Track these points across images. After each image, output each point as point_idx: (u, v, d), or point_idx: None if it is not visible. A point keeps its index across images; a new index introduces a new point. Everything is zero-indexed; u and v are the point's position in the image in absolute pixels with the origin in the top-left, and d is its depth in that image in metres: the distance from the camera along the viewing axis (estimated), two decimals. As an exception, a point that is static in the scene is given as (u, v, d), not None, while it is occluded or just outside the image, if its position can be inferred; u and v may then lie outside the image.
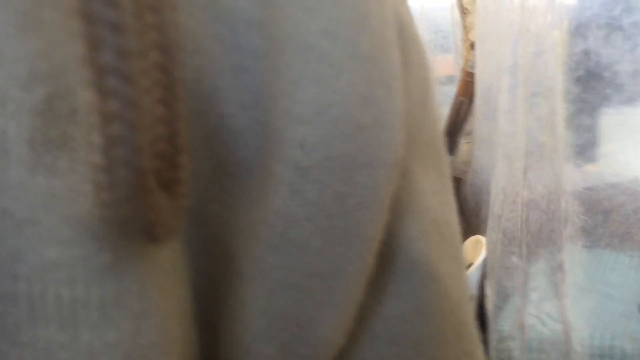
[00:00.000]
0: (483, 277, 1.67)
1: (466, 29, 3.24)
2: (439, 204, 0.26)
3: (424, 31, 3.63)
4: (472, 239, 2.34)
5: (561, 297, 1.21)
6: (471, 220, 2.69)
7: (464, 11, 3.23)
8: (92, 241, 0.17)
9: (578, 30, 1.32)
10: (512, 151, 1.60)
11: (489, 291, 1.48)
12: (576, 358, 1.17)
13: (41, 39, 0.17)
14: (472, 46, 3.01)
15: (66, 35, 0.17)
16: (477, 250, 2.14)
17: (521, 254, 1.29)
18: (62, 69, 0.17)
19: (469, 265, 2.26)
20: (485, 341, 1.52)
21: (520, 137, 1.58)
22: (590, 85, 1.30)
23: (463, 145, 3.26)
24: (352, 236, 0.22)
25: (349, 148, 0.21)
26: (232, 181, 0.22)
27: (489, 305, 1.43)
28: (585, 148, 1.37)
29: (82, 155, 0.17)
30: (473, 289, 1.98)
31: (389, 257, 0.24)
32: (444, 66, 3.71)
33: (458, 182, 3.01)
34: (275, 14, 0.21)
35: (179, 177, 0.18)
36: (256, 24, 0.21)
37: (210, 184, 0.22)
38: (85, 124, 0.17)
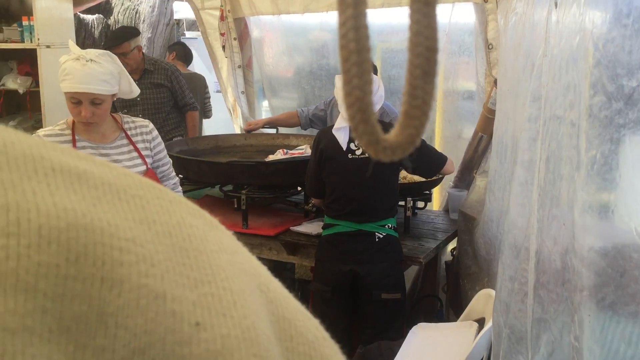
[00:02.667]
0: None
1: (490, 64, 3.18)
2: None
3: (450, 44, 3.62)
4: (484, 292, 2.27)
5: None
6: (482, 266, 2.62)
7: (488, 46, 3.17)
8: None
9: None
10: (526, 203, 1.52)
11: None
12: None
13: None
14: (495, 83, 2.95)
15: None
16: (489, 305, 2.06)
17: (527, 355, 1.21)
18: None
19: (480, 319, 2.18)
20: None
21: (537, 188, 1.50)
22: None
23: (479, 182, 3.18)
24: None
25: None
26: None
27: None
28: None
29: None
30: (483, 349, 1.91)
31: None
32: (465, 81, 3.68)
33: (472, 222, 2.94)
34: None
35: None
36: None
37: None
38: None
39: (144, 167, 2.33)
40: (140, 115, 3.67)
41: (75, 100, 2.11)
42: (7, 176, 0.26)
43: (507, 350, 1.26)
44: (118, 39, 4.10)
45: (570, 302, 1.03)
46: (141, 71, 4.22)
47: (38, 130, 2.23)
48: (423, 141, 2.88)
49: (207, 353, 0.28)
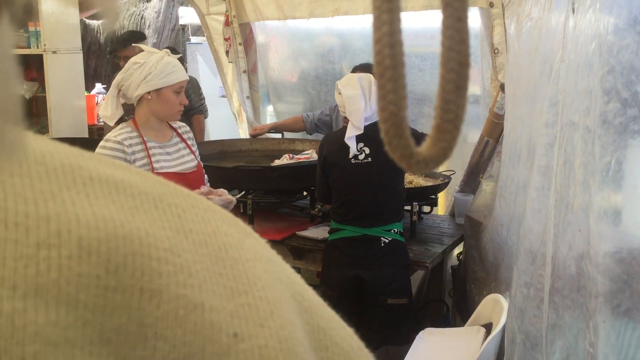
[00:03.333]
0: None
1: (495, 69, 3.18)
2: None
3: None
4: (492, 297, 2.27)
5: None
6: (489, 271, 2.61)
7: (494, 51, 3.17)
8: None
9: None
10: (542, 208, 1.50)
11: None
12: None
13: None
14: (501, 87, 2.95)
15: None
16: (497, 310, 2.06)
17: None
18: None
19: (488, 324, 2.18)
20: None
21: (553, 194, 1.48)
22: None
23: (485, 186, 3.18)
24: None
25: None
26: None
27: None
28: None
29: None
30: (491, 355, 1.91)
31: None
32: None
33: (479, 226, 2.93)
34: None
35: None
36: None
37: None
38: None
39: (195, 162, 2.48)
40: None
41: (179, 89, 2.30)
42: (47, 187, 0.26)
43: (522, 356, 1.26)
44: (124, 42, 4.11)
45: (586, 309, 1.03)
46: None
47: (108, 134, 2.29)
48: (424, 134, 2.88)
49: None
